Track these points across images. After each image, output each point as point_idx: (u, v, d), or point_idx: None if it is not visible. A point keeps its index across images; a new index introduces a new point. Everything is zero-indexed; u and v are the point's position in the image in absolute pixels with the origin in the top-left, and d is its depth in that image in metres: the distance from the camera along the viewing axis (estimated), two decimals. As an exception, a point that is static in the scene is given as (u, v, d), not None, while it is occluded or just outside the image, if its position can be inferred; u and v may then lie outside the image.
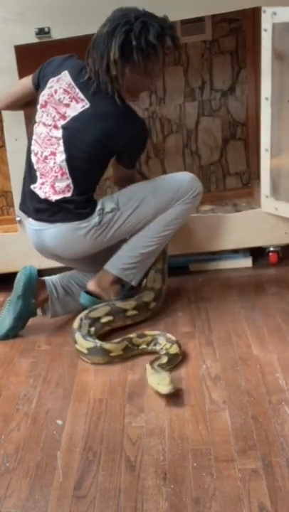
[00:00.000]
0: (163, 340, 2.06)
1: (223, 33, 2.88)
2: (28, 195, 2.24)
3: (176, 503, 1.41)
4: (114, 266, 2.28)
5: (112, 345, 2.04)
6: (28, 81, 2.25)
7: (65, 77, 2.13)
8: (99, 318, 2.17)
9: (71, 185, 2.14)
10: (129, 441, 1.64)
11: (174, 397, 1.80)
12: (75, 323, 2.13)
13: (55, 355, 2.13)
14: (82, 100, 2.10)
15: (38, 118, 2.19)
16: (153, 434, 1.66)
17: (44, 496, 1.47)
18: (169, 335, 2.07)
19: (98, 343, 2.04)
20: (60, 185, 2.14)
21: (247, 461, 1.52)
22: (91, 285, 2.28)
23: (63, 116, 2.12)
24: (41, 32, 2.29)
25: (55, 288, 2.31)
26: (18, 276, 2.25)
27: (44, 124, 2.16)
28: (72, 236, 2.19)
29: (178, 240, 2.44)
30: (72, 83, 2.12)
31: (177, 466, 1.53)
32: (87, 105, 2.09)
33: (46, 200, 2.17)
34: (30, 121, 2.85)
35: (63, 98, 2.12)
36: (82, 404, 1.83)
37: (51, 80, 2.15)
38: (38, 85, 2.21)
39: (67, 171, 2.13)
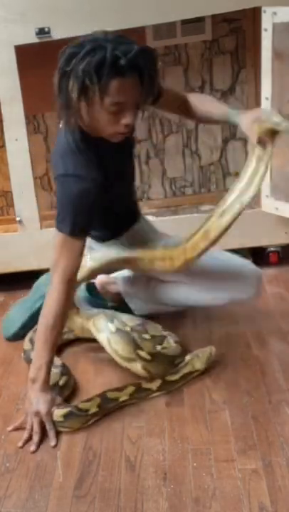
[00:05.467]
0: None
1: (223, 33, 2.88)
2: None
3: (176, 503, 1.41)
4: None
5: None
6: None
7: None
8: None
9: None
10: (129, 441, 1.64)
11: (174, 397, 1.81)
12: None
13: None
14: None
15: None
16: (153, 434, 1.65)
17: (44, 496, 1.47)
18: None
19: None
20: None
21: (247, 461, 1.52)
22: (99, 279, 2.24)
23: None
24: (41, 32, 2.29)
25: None
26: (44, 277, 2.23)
27: None
28: None
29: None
30: None
31: (177, 466, 1.53)
32: None
33: None
34: (30, 121, 2.87)
35: None
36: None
37: None
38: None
39: None
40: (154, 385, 1.81)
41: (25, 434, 1.69)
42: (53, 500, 1.46)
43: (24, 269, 2.57)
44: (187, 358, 1.90)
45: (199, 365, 1.88)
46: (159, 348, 1.96)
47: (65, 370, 1.91)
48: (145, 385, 1.82)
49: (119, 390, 1.79)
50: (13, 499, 1.48)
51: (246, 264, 2.09)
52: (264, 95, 2.36)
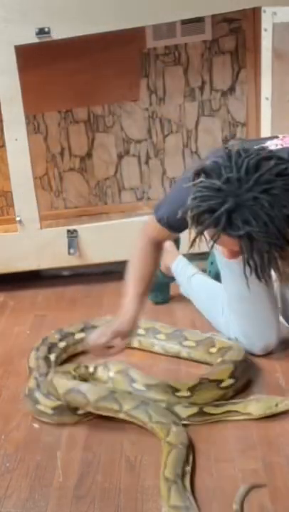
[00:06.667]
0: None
1: (223, 33, 2.88)
2: None
3: (176, 503, 1.41)
4: (178, 271, 2.26)
5: None
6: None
7: None
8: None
9: None
10: (129, 441, 1.64)
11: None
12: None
13: (55, 355, 2.12)
14: None
15: None
16: (153, 434, 1.65)
17: (44, 496, 1.47)
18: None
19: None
20: None
21: (247, 461, 1.52)
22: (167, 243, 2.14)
23: None
24: (41, 32, 2.29)
25: None
26: None
27: None
28: None
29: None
30: None
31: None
32: None
33: None
34: (30, 121, 2.86)
35: None
36: (82, 404, 1.82)
37: None
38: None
39: None
40: (185, 412, 1.63)
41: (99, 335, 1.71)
42: (53, 500, 1.46)
43: (24, 269, 2.57)
44: (251, 397, 1.69)
45: (254, 409, 1.61)
46: (214, 350, 1.83)
47: None
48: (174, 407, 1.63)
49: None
50: (13, 499, 1.48)
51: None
52: (264, 95, 2.36)
